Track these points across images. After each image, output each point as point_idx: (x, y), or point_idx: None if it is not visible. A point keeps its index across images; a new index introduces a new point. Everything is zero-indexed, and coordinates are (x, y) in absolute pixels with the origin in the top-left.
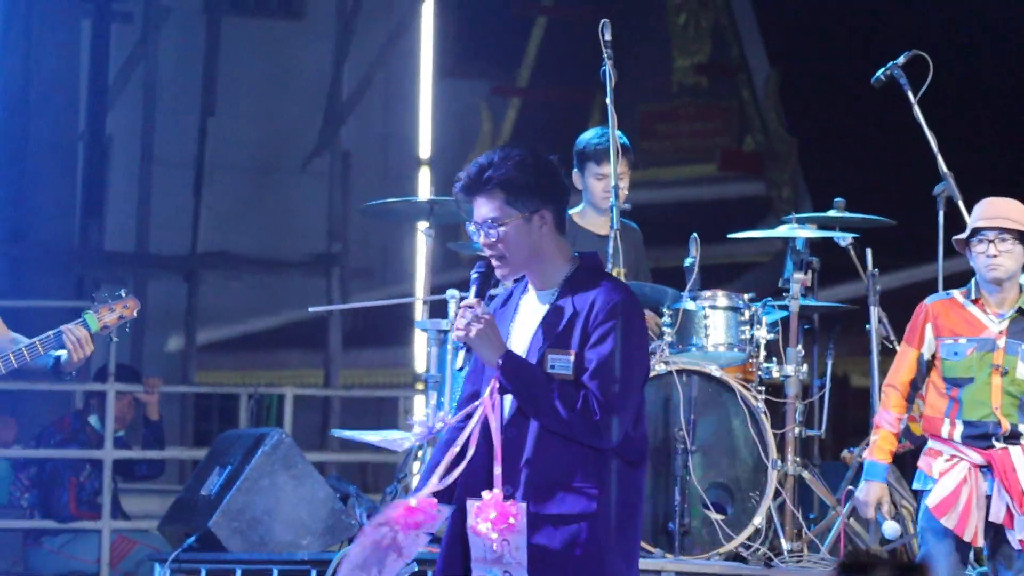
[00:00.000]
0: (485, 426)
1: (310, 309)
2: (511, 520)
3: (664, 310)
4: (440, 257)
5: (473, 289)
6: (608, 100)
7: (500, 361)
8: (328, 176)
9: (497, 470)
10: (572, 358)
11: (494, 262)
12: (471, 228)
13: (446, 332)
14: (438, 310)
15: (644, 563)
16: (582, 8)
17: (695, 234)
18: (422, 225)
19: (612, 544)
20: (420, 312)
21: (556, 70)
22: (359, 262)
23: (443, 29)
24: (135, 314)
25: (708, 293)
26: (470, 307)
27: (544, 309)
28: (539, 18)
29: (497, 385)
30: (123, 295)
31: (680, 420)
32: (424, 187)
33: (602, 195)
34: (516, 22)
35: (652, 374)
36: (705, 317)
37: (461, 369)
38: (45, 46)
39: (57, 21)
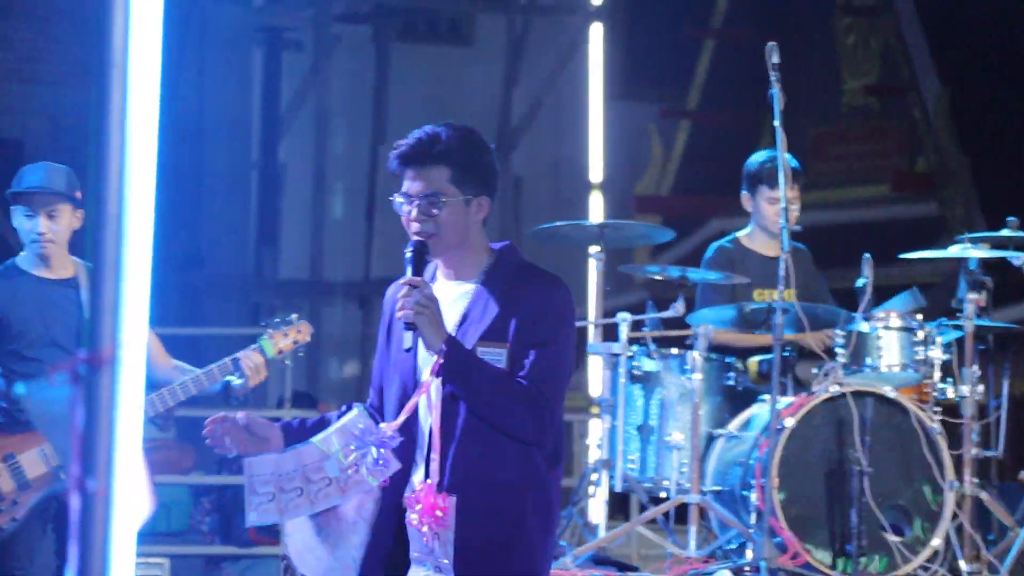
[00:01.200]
0: (411, 416)
1: None
2: (438, 513)
3: (837, 331)
4: (611, 281)
5: (410, 269)
6: (776, 123)
7: (444, 347)
8: (499, 201)
9: (434, 461)
10: (506, 352)
11: (429, 240)
12: (399, 199)
13: (618, 355)
14: (610, 333)
15: None
16: (750, 30)
17: (867, 255)
18: (593, 249)
19: (540, 543)
20: (592, 335)
21: (725, 92)
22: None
23: (612, 52)
24: (308, 338)
25: (882, 314)
26: (415, 287)
27: (465, 299)
28: (707, 41)
29: (437, 372)
30: (295, 320)
31: (855, 441)
32: (595, 211)
33: (774, 218)
34: (685, 44)
35: (825, 396)
36: (878, 338)
37: (409, 350)
38: (218, 76)
39: (229, 51)
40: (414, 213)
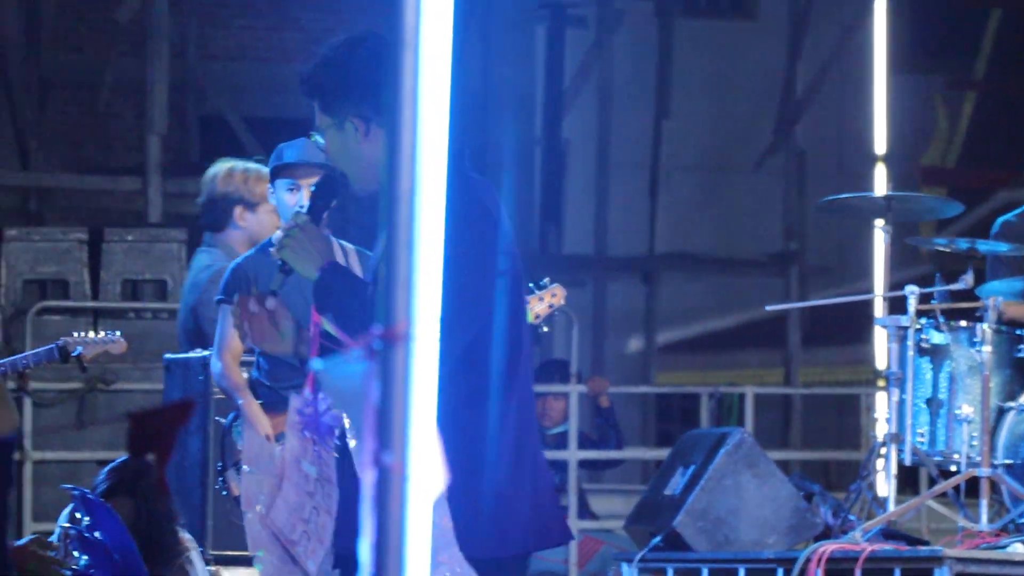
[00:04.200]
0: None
1: (767, 308)
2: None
3: None
4: (898, 253)
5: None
6: None
7: (318, 274)
8: (783, 174)
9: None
10: None
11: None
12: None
13: (906, 328)
14: (897, 307)
15: None
16: None
17: None
18: (879, 222)
19: None
20: (880, 309)
21: (1013, 62)
22: (816, 260)
23: (896, 23)
24: (563, 301)
25: None
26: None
27: None
28: (994, 9)
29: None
30: (548, 283)
31: None
32: (880, 183)
33: None
34: (970, 14)
35: None
36: None
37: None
38: (502, 53)
39: (513, 28)
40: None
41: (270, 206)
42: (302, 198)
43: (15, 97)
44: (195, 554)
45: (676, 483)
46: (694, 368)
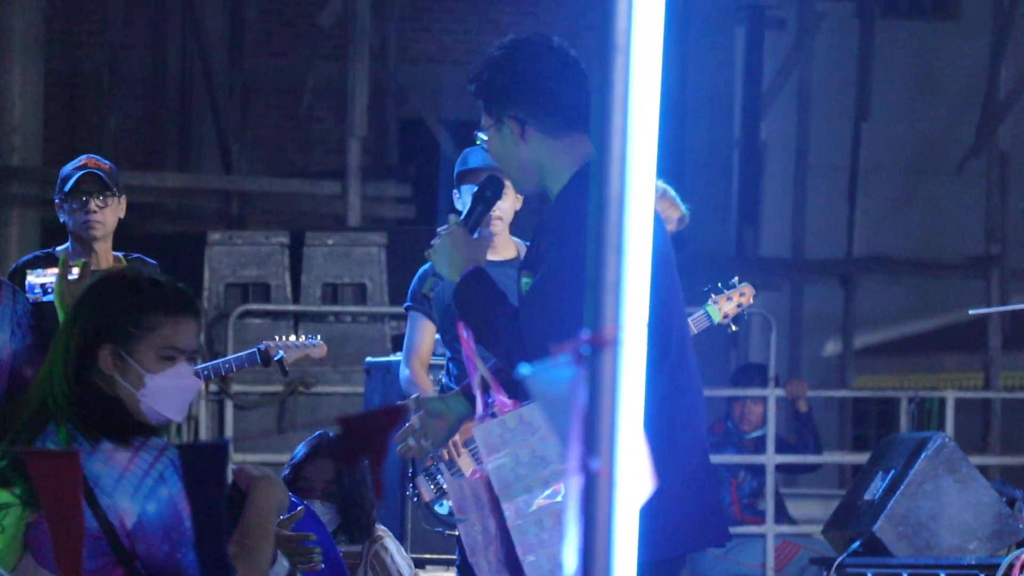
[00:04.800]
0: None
1: (971, 312)
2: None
3: None
4: None
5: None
6: None
7: (458, 280)
8: (984, 176)
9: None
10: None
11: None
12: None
13: None
14: None
15: None
16: None
17: None
18: None
19: None
20: None
21: None
22: (1018, 263)
23: None
24: (752, 300)
25: None
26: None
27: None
28: None
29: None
30: (737, 283)
31: None
32: None
33: None
34: None
35: None
36: None
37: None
38: (700, 54)
39: (713, 29)
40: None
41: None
42: None
43: (218, 101)
44: (390, 540)
45: (876, 488)
46: (892, 372)
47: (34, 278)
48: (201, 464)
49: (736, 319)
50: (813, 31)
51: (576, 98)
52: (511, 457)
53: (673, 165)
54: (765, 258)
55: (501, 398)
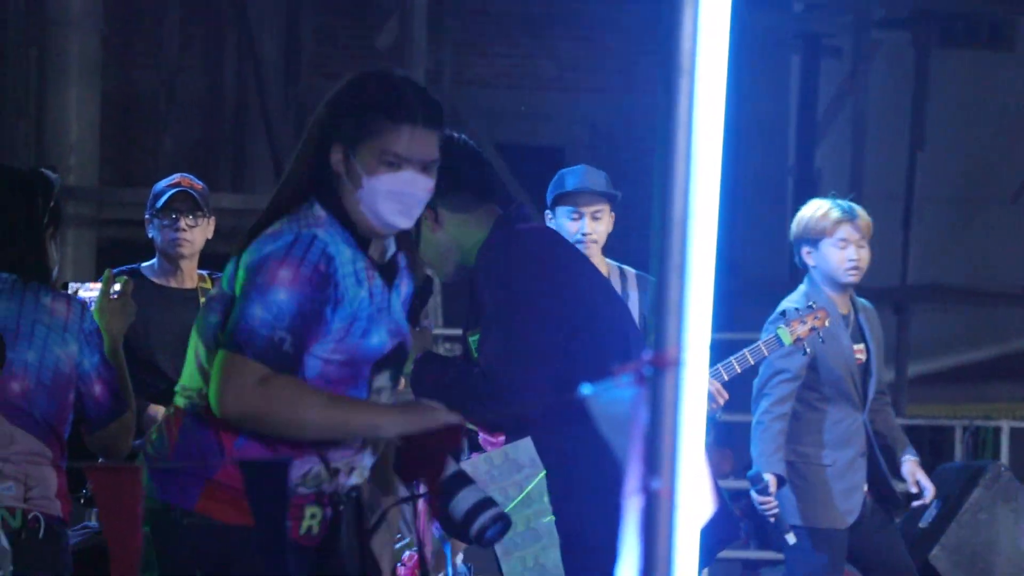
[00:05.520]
0: None
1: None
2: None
3: None
4: None
5: None
6: None
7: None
8: (1009, 209)
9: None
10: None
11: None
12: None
13: None
14: None
15: None
16: None
17: None
18: None
19: None
20: None
21: None
22: None
23: None
24: (827, 324)
25: None
26: None
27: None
28: None
29: None
30: (813, 307)
31: None
32: None
33: None
34: None
35: None
36: None
37: None
38: (756, 81)
39: (768, 56)
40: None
41: (834, 239)
42: (584, 226)
43: (272, 121)
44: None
45: (930, 515)
46: (945, 400)
47: (84, 292)
48: None
49: (811, 341)
50: (868, 59)
51: (477, 173)
52: (500, 494)
53: (728, 191)
54: None
55: (486, 436)
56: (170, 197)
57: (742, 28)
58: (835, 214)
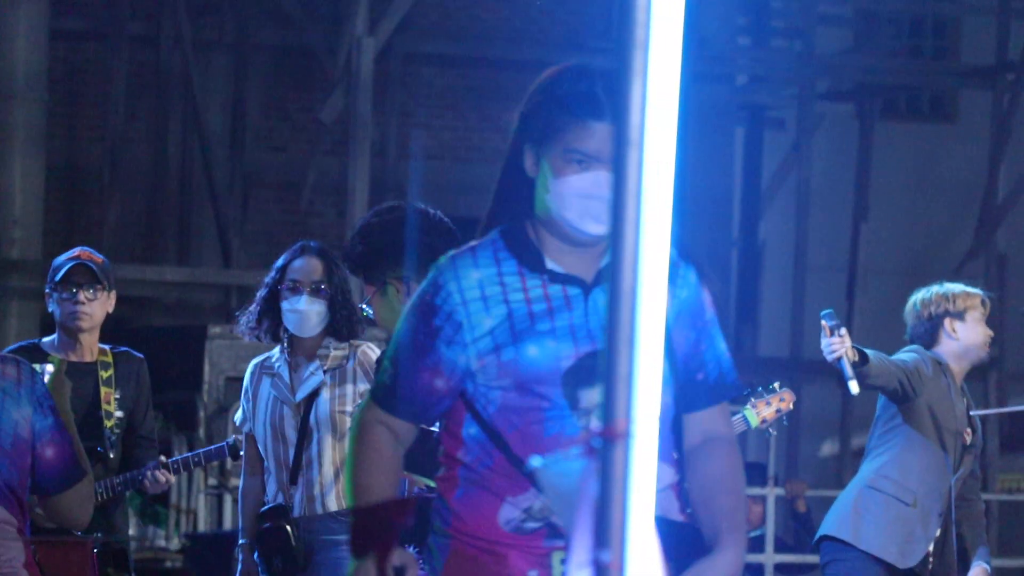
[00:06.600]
0: None
1: (970, 414)
2: None
3: None
4: None
5: None
6: None
7: None
8: (983, 279)
9: None
10: None
11: None
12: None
13: None
14: None
15: None
16: None
17: None
18: None
19: None
20: None
21: None
22: (1016, 366)
23: None
24: (791, 406)
25: None
26: None
27: None
28: None
29: None
30: (778, 388)
31: None
32: None
33: None
34: None
35: None
36: None
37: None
38: (701, 153)
39: (712, 128)
40: None
41: (975, 315)
42: None
43: (218, 194)
44: (375, 345)
45: None
46: None
47: None
48: None
49: (776, 424)
50: (812, 132)
51: (448, 243)
52: None
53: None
54: (763, 358)
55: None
56: (69, 270)
57: (687, 100)
58: (976, 293)
